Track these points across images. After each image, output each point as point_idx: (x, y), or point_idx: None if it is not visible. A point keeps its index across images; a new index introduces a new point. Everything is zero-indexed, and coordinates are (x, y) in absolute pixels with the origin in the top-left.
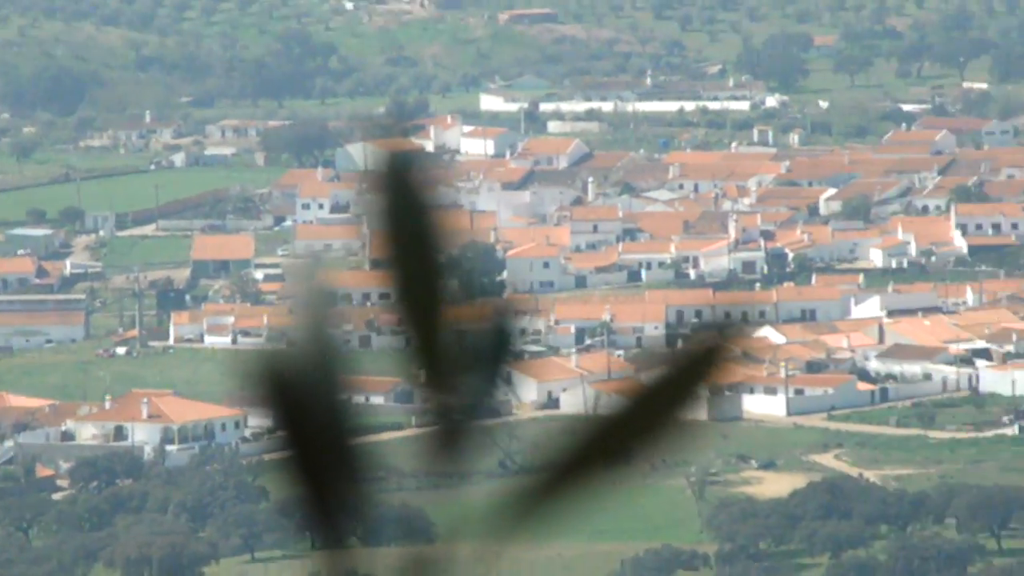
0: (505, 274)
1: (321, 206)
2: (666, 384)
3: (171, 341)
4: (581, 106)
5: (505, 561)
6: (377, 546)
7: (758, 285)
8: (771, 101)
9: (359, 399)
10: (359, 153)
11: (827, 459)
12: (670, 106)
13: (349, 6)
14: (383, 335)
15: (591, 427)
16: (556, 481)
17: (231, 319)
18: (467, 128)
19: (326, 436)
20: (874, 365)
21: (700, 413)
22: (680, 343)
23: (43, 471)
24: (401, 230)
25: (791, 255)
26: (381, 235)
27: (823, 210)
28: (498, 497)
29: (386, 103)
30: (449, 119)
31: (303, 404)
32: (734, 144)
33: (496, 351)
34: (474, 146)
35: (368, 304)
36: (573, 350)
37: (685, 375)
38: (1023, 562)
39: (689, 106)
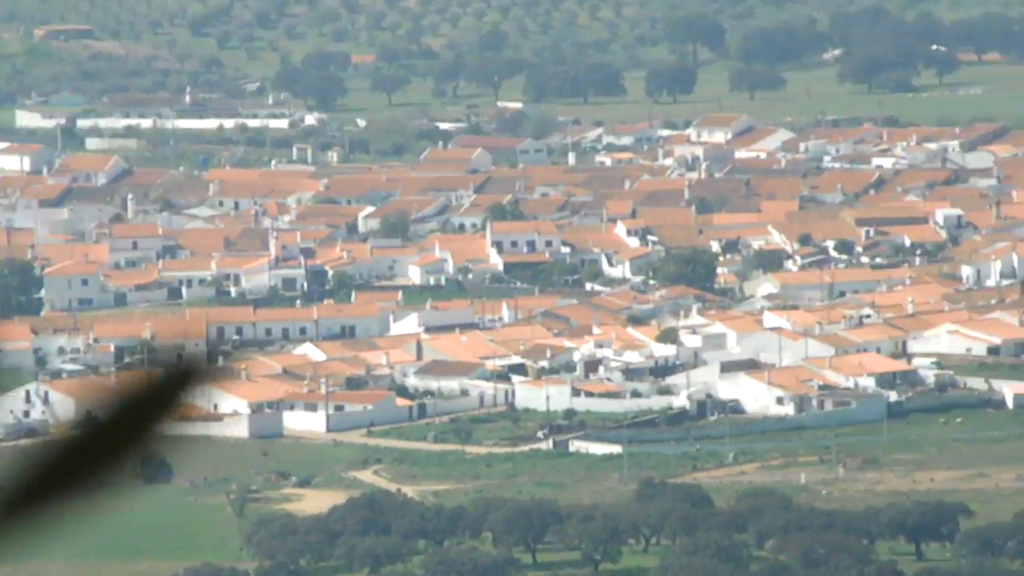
0: (43, 292)
1: None
2: (130, 410)
3: None
4: (119, 123)
5: None
6: None
7: (298, 302)
8: (310, 119)
9: None
10: None
11: (366, 475)
12: (209, 123)
13: None
14: None
15: (51, 451)
16: (11, 505)
17: None
18: (2, 144)
19: None
20: (412, 381)
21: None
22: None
23: None
24: None
25: (331, 272)
26: None
27: (362, 228)
28: None
29: None
30: None
31: None
32: (274, 162)
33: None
34: (10, 162)
35: None
36: (112, 368)
37: (148, 402)
38: None
39: (229, 123)
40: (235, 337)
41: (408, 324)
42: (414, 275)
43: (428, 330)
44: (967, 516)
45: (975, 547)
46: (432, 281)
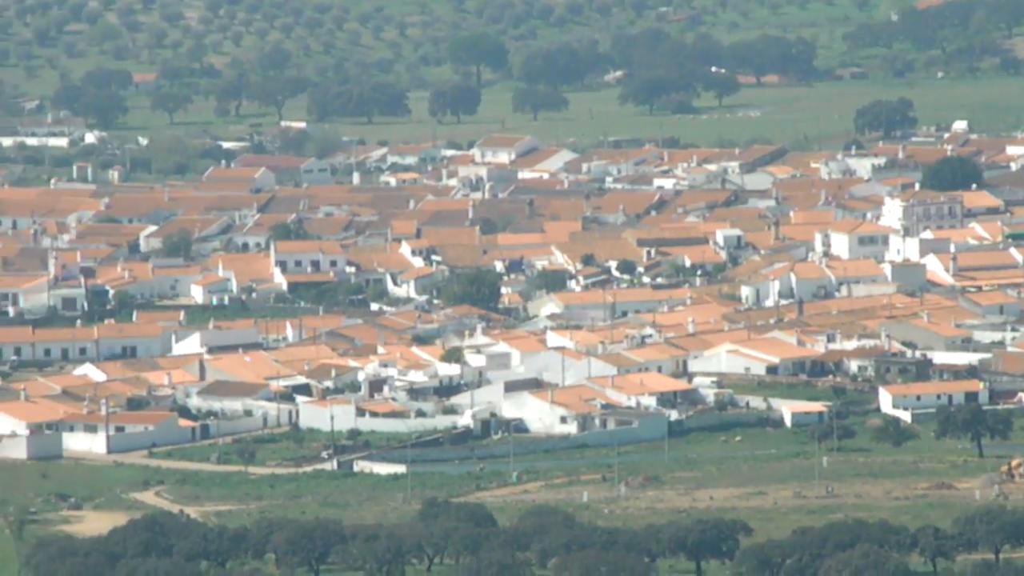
0: None
1: None
2: None
3: None
4: None
5: None
6: None
7: (79, 322)
8: (90, 137)
9: None
10: None
11: (148, 496)
12: None
13: None
14: None
15: None
16: None
17: None
18: None
19: None
20: (195, 402)
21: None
22: None
23: None
24: None
25: (112, 292)
26: None
27: (144, 247)
28: None
29: None
30: None
31: None
32: (53, 180)
33: None
34: None
35: None
36: None
37: None
38: None
39: (7, 142)
40: (13, 357)
41: (191, 344)
42: (197, 295)
43: (211, 350)
44: (746, 533)
45: (754, 564)
46: (215, 301)
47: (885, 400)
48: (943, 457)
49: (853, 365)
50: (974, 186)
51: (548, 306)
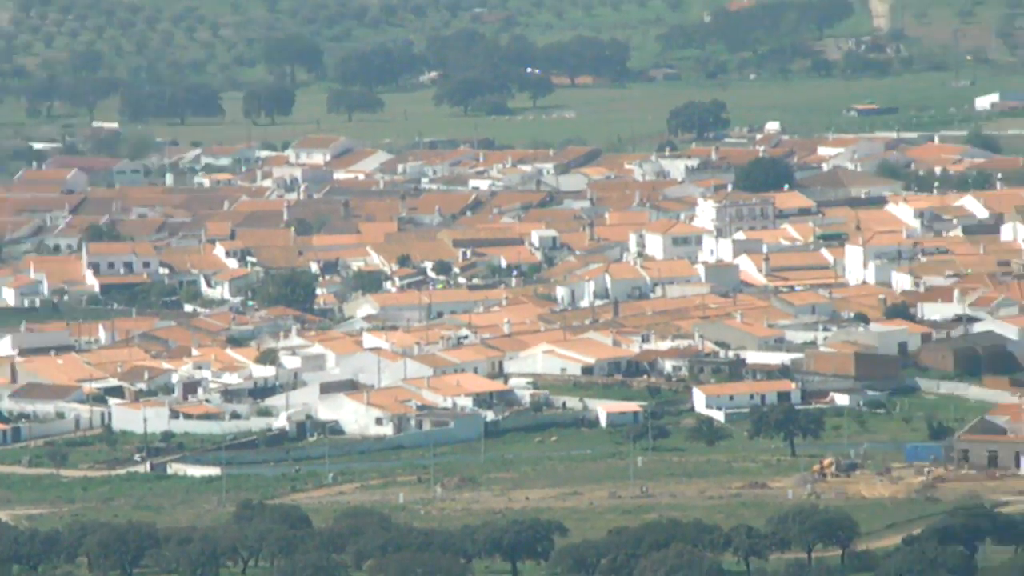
0: None
1: None
2: None
3: None
4: None
5: None
6: None
7: None
8: None
9: None
10: None
11: None
12: None
13: None
14: None
15: None
16: None
17: None
18: None
19: None
20: (7, 404)
21: None
22: None
23: None
24: None
25: None
26: None
27: None
28: None
29: None
30: None
31: None
32: None
33: None
34: None
35: None
36: None
37: None
38: None
39: None
40: None
41: (2, 346)
42: (8, 297)
43: (22, 352)
44: (562, 534)
45: (569, 565)
46: (27, 303)
47: (699, 400)
48: (756, 457)
49: (667, 365)
50: (786, 187)
51: (364, 307)
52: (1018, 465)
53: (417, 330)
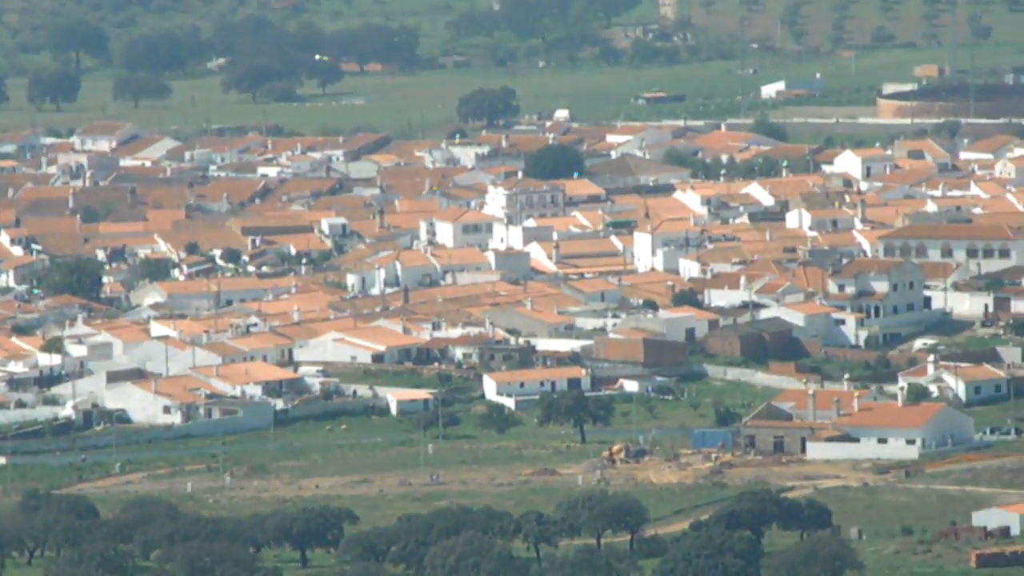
0: None
1: None
2: None
3: None
4: None
5: None
6: None
7: None
8: None
9: None
10: None
11: None
12: None
13: None
14: None
15: None
16: None
17: None
18: None
19: None
20: None
21: None
22: None
23: None
24: None
25: None
26: None
27: None
28: None
29: None
30: None
31: None
32: None
33: None
34: None
35: None
36: None
37: None
38: None
39: None
40: None
41: None
42: None
43: None
44: (352, 522)
45: (359, 552)
46: None
47: (489, 387)
48: (546, 443)
49: (458, 353)
50: (576, 175)
51: (151, 295)
52: (803, 450)
53: (206, 318)
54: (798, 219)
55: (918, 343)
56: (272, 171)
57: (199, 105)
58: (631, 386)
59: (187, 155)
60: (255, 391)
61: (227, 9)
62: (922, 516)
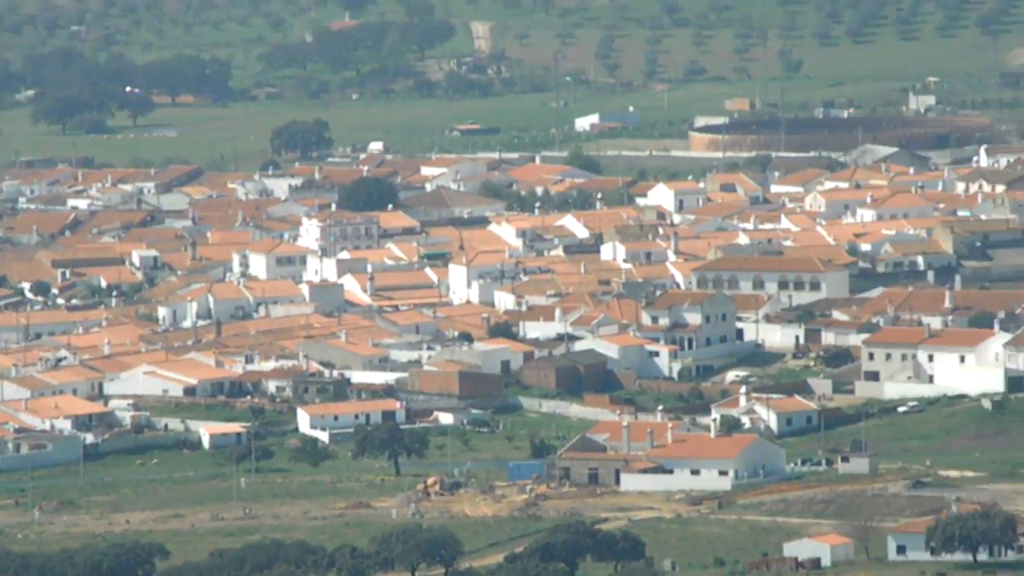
0: None
1: None
2: None
3: None
4: None
5: None
6: None
7: None
8: None
9: None
10: None
11: None
12: None
13: None
14: None
15: None
16: None
17: None
18: None
19: None
20: None
21: None
22: None
23: None
24: None
25: None
26: None
27: None
28: None
29: None
30: None
31: None
32: None
33: None
34: None
35: None
36: None
37: None
38: None
39: None
40: None
41: None
42: None
43: None
44: (163, 556)
45: None
46: None
47: (303, 420)
48: (360, 476)
49: (271, 385)
50: (390, 207)
51: None
52: (618, 482)
53: (15, 352)
54: (612, 251)
55: (731, 375)
56: (82, 203)
57: (8, 137)
58: (446, 419)
59: None
60: (64, 425)
61: (36, 40)
62: (734, 547)
